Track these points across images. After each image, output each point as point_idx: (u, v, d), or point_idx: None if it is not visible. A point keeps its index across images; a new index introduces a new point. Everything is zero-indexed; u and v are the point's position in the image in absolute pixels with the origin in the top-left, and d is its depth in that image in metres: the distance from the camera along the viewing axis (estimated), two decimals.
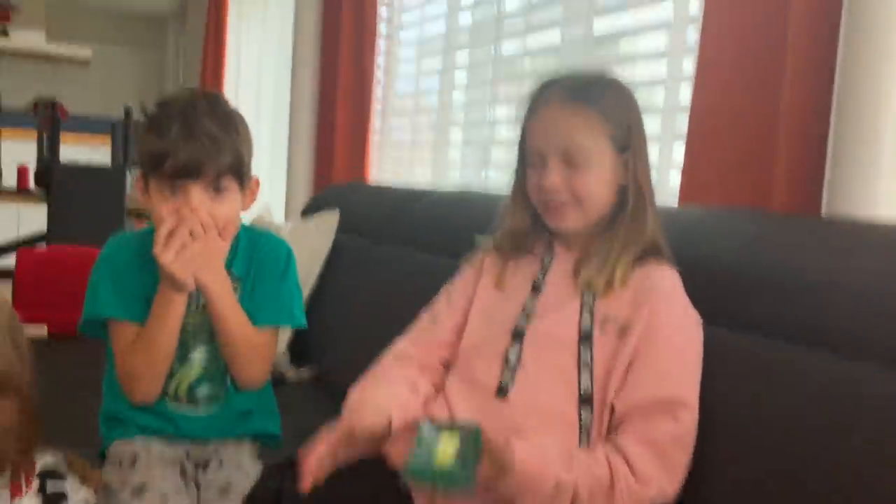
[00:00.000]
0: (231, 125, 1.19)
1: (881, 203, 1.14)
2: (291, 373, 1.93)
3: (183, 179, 1.14)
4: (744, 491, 0.99)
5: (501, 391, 1.09)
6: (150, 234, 1.24)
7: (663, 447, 1.00)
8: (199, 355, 1.26)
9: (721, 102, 1.44)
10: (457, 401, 1.12)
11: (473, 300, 1.20)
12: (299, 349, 2.03)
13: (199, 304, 1.22)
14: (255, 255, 1.29)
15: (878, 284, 0.97)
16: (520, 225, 1.19)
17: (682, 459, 1.01)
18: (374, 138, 2.83)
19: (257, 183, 1.27)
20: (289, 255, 1.32)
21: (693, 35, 1.61)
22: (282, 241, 1.34)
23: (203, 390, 1.27)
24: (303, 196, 2.98)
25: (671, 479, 1.00)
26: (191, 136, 1.14)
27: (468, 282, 1.24)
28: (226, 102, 1.24)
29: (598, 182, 1.11)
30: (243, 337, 1.21)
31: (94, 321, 1.23)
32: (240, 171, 1.19)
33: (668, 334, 1.05)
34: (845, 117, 1.17)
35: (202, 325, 1.23)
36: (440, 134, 2.61)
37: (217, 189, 1.17)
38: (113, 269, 1.23)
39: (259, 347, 1.24)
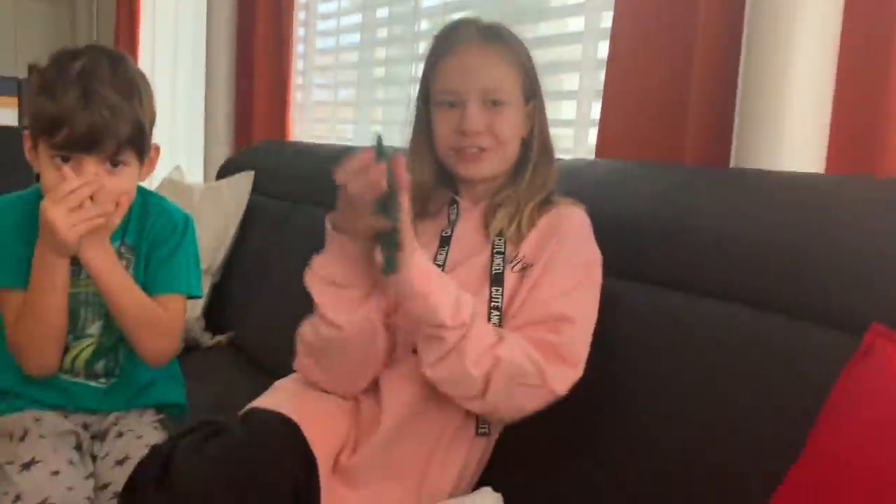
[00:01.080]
0: (134, 92, 1.11)
1: (786, 155, 1.14)
2: (206, 339, 1.87)
3: (78, 152, 1.07)
4: (644, 430, 1.00)
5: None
6: (36, 197, 1.17)
7: (542, 350, 0.98)
8: (94, 329, 1.21)
9: (635, 59, 1.43)
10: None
11: None
12: (214, 315, 1.97)
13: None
14: (148, 223, 1.22)
15: (773, 236, 0.97)
16: (424, 179, 1.13)
17: (559, 367, 0.98)
18: (296, 95, 2.74)
19: (157, 150, 1.20)
20: (186, 223, 1.26)
21: None
22: (177, 210, 1.28)
23: (99, 365, 1.22)
24: (223, 156, 2.87)
25: (556, 372, 0.98)
26: (89, 105, 1.06)
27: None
28: (130, 65, 1.15)
29: (514, 126, 1.09)
30: (138, 309, 1.15)
31: None
32: (140, 144, 1.12)
33: (563, 266, 1.04)
34: (751, 73, 1.17)
35: (95, 295, 1.17)
36: (362, 92, 2.54)
37: (114, 164, 1.10)
38: None
39: (159, 319, 1.18)
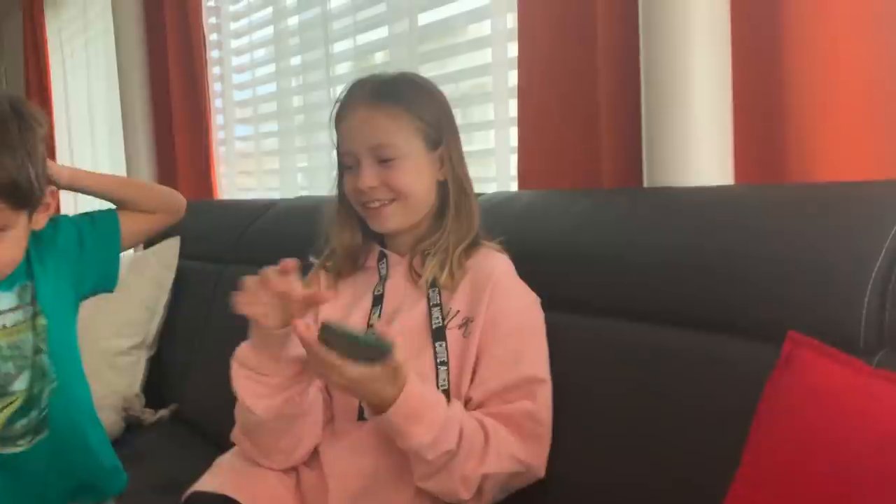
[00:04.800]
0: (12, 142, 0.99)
1: (694, 169, 1.16)
2: (148, 415, 1.82)
3: None
4: (581, 458, 1.02)
5: (363, 413, 1.04)
6: None
7: (522, 425, 1.00)
8: (20, 384, 1.10)
9: (544, 84, 1.45)
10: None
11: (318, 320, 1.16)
12: (154, 389, 1.91)
13: (3, 325, 1.08)
14: (44, 249, 1.14)
15: (688, 251, 1.00)
16: (350, 241, 1.16)
17: (539, 452, 1.01)
18: (219, 150, 2.71)
19: (54, 195, 1.10)
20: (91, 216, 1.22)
21: (512, 20, 1.61)
22: (63, 217, 1.21)
23: (21, 423, 1.11)
24: None
25: (534, 453, 1.00)
26: None
27: None
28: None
29: (414, 177, 1.10)
30: None
31: None
32: (23, 199, 1.01)
33: (510, 319, 1.05)
34: (651, 91, 1.20)
35: (16, 345, 1.09)
36: (283, 141, 2.52)
37: None
38: None
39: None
